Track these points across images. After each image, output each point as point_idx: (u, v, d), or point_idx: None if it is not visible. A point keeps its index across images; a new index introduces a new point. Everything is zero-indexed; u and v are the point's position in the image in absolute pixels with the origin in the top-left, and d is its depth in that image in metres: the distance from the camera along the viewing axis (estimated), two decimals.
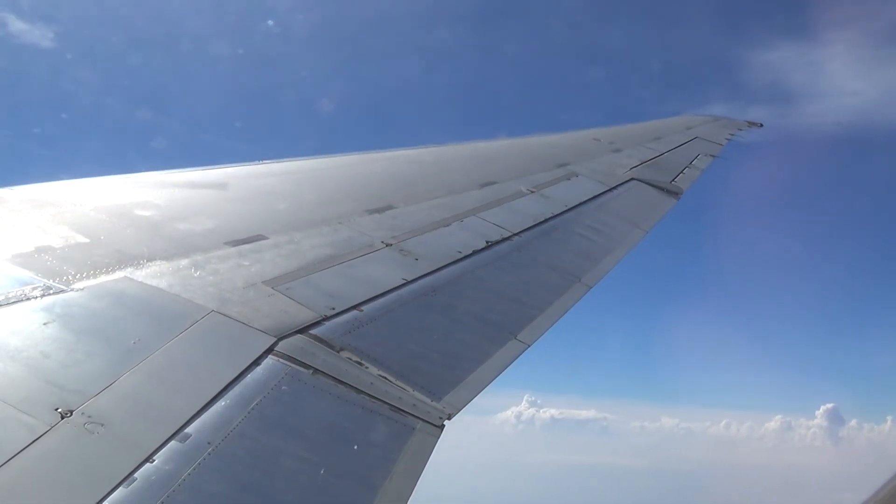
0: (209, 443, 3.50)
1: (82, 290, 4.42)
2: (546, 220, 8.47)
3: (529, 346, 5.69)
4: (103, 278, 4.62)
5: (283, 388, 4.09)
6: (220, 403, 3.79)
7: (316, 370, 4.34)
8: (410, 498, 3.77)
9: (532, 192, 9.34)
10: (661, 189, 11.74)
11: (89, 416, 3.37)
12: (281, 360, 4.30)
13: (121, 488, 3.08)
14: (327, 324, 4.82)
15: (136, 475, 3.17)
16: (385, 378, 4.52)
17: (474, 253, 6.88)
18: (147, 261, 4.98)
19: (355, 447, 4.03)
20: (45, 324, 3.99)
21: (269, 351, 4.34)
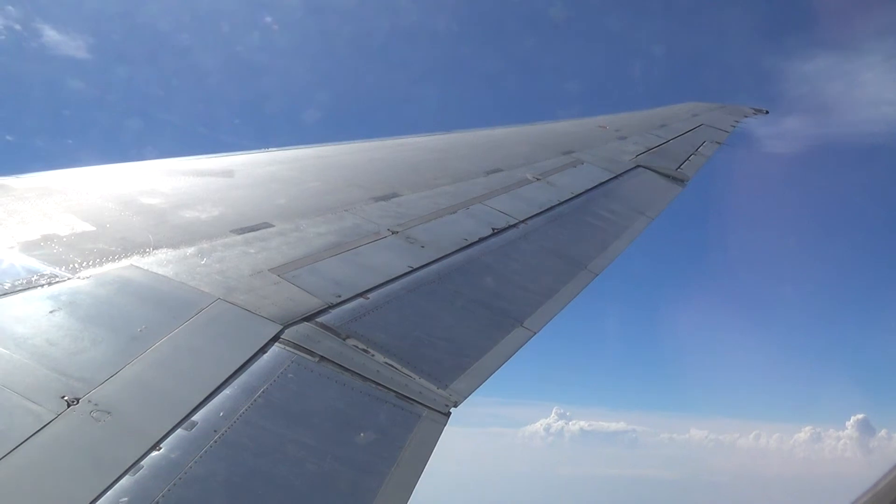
0: (215, 430, 3.50)
1: (88, 278, 4.42)
2: (552, 208, 8.45)
3: (536, 333, 5.69)
4: (109, 266, 4.62)
5: (290, 375, 4.09)
6: (227, 391, 3.79)
7: (322, 358, 4.34)
8: (416, 485, 3.78)
9: (538, 179, 9.32)
10: (667, 176, 11.70)
11: (95, 404, 3.38)
12: (287, 347, 4.30)
13: (127, 476, 3.08)
14: (333, 311, 4.82)
15: (142, 463, 3.17)
16: (391, 365, 4.52)
17: (480, 240, 6.87)
18: (153, 249, 4.98)
19: (361, 434, 4.03)
20: (51, 312, 3.99)
21: (275, 339, 4.33)
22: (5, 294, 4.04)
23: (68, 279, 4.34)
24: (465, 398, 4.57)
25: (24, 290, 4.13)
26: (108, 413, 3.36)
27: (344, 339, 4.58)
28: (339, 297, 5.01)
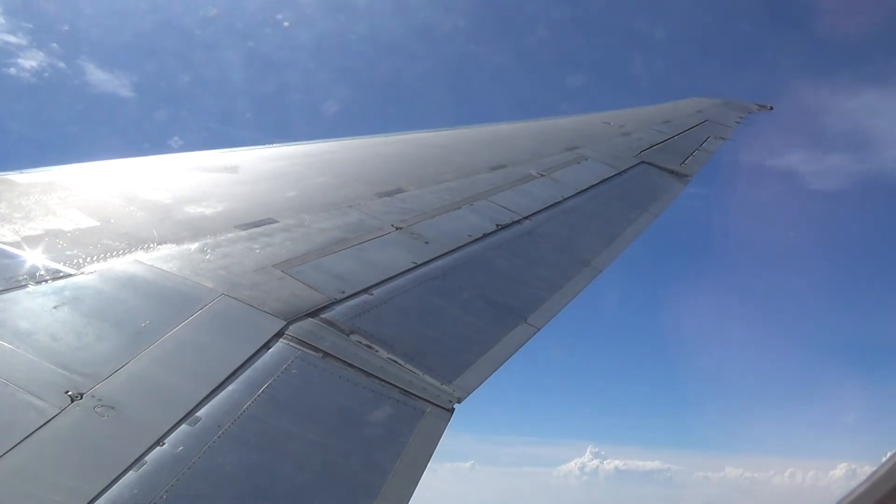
0: (219, 426, 3.50)
1: (92, 273, 4.42)
2: (556, 204, 8.44)
3: (539, 329, 5.68)
4: (113, 262, 4.62)
5: (293, 371, 4.09)
6: (230, 387, 3.79)
7: (326, 353, 4.34)
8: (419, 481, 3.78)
9: (542, 175, 9.31)
10: (671, 172, 11.68)
11: (99, 400, 3.38)
12: (291, 343, 4.30)
13: (131, 471, 3.08)
14: (337, 307, 4.82)
15: (146, 458, 3.17)
16: (395, 361, 4.52)
17: (484, 236, 6.86)
18: (157, 244, 4.98)
19: (365, 430, 4.03)
20: (55, 307, 3.99)
21: (280, 334, 4.33)
22: (9, 289, 4.04)
23: (72, 275, 4.34)
24: (469, 394, 4.57)
25: (29, 285, 4.13)
26: (112, 408, 3.36)
27: (348, 335, 4.57)
28: (343, 292, 5.00)
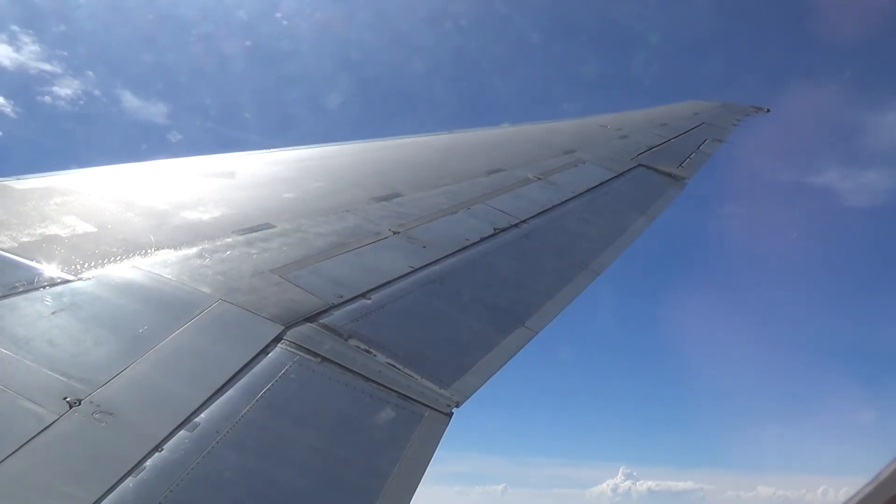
0: (217, 431, 3.50)
1: (90, 279, 4.42)
2: (553, 207, 8.44)
3: (537, 333, 5.68)
4: (111, 267, 4.62)
5: (292, 376, 4.09)
6: (229, 392, 3.79)
7: (324, 358, 4.34)
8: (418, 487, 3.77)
9: (539, 178, 9.32)
10: (668, 175, 11.69)
11: (98, 406, 3.38)
12: (289, 348, 4.30)
13: (130, 478, 3.08)
14: (335, 312, 4.82)
15: (144, 464, 3.17)
16: (393, 366, 4.52)
17: (482, 240, 6.87)
18: (155, 249, 4.98)
19: (363, 435, 4.03)
20: (52, 313, 3.99)
21: (278, 339, 4.33)
22: (7, 295, 4.04)
23: (70, 280, 4.34)
24: (467, 398, 4.57)
25: (26, 291, 4.13)
26: (111, 414, 3.36)
27: (346, 340, 4.58)
28: (341, 297, 5.01)
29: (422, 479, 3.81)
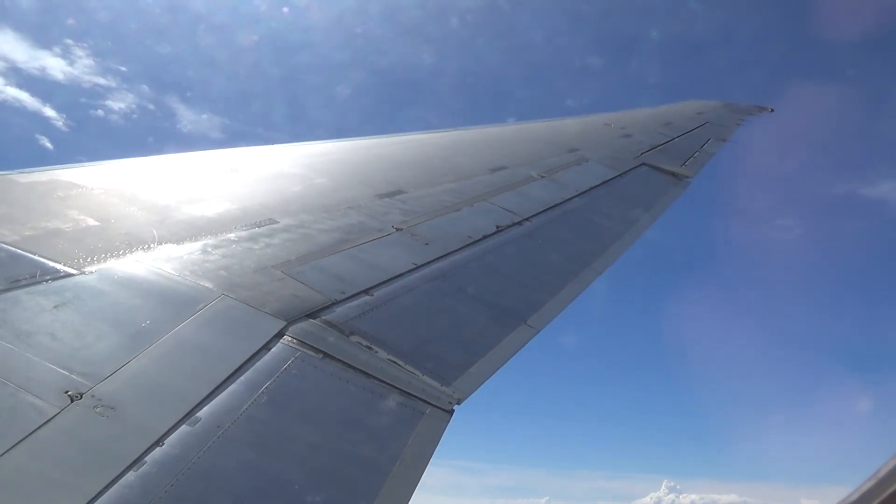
0: (219, 426, 3.50)
1: (92, 273, 4.42)
2: (556, 206, 8.44)
3: (539, 331, 5.68)
4: (113, 262, 4.62)
5: (293, 372, 4.09)
6: (230, 387, 3.79)
7: (326, 354, 4.34)
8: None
9: (542, 177, 9.31)
10: (671, 174, 11.68)
11: (99, 400, 3.38)
12: (291, 344, 4.30)
13: (130, 471, 3.08)
14: (337, 308, 4.82)
15: (145, 458, 3.17)
16: (395, 362, 4.51)
17: (484, 238, 6.86)
18: (157, 244, 4.98)
19: (364, 431, 4.03)
20: (55, 307, 3.99)
21: (280, 335, 4.33)
22: (9, 289, 4.04)
23: (73, 274, 4.34)
24: (469, 395, 4.57)
25: (29, 285, 4.12)
26: (112, 408, 3.36)
27: (348, 336, 4.57)
28: (344, 293, 5.00)
29: (422, 476, 3.81)
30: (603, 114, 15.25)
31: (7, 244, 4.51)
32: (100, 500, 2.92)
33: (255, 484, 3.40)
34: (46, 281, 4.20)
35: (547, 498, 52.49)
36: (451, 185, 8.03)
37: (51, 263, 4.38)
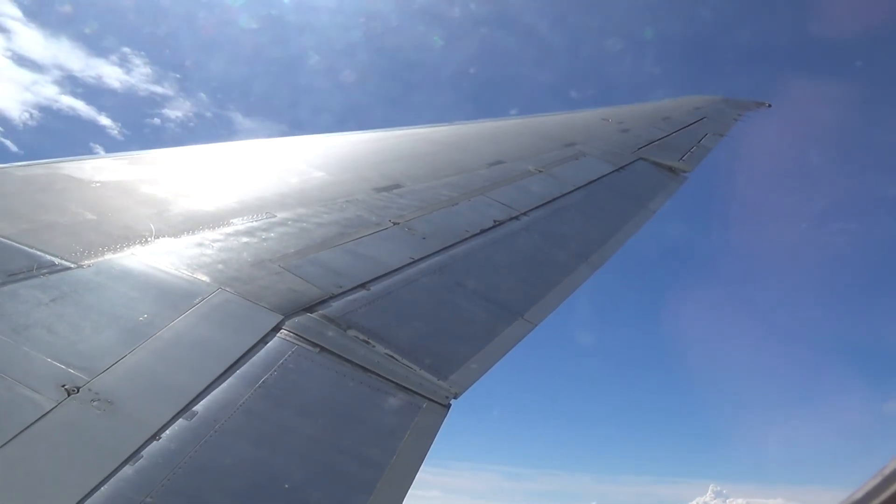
0: (215, 420, 3.51)
1: (90, 266, 4.42)
2: (554, 200, 8.44)
3: (536, 325, 5.68)
4: (110, 255, 4.61)
5: (290, 366, 4.09)
6: (227, 381, 3.79)
7: (323, 348, 4.34)
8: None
9: (540, 171, 9.31)
10: (669, 169, 11.68)
11: (96, 394, 3.38)
12: (288, 338, 4.30)
13: (127, 466, 3.08)
14: (335, 302, 4.82)
15: (142, 452, 3.17)
16: (392, 357, 4.52)
17: (482, 232, 6.86)
18: (155, 238, 4.97)
19: (361, 425, 4.04)
20: (52, 301, 3.98)
21: (277, 329, 4.34)
22: (6, 283, 4.03)
23: (69, 268, 4.34)
24: (465, 390, 4.58)
25: (25, 278, 4.12)
26: (109, 402, 3.36)
27: (345, 330, 4.58)
28: (341, 287, 5.00)
29: (419, 470, 3.81)
30: (601, 108, 15.23)
31: (4, 237, 4.50)
32: (96, 494, 2.92)
33: (252, 478, 3.41)
34: (43, 274, 4.20)
35: (595, 503, 52.43)
36: (448, 180, 8.03)
37: (48, 257, 4.38)
